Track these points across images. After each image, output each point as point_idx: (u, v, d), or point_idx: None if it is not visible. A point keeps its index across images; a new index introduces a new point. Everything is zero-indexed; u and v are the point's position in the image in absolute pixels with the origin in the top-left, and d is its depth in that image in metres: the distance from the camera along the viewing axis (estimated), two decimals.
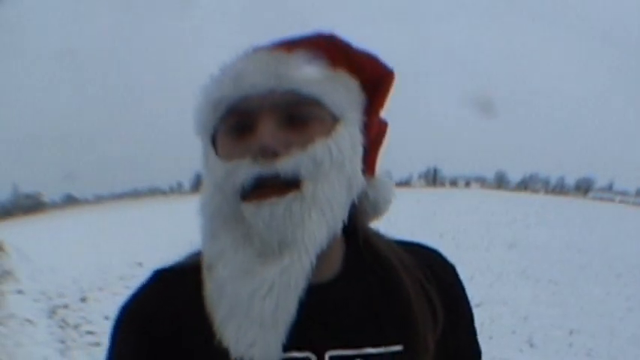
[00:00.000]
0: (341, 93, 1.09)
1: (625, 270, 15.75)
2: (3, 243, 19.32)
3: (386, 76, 1.15)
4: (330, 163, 1.03)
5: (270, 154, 1.00)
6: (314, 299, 1.02)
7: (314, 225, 1.00)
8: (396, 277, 1.16)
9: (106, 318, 10.09)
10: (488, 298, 10.72)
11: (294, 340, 1.00)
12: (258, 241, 1.02)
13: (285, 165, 1.00)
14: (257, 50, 1.09)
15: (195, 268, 1.10)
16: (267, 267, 1.00)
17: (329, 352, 1.06)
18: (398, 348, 1.09)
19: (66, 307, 11.06)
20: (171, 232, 23.77)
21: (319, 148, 1.03)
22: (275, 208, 0.99)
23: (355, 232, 1.19)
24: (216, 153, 1.10)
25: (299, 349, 1.04)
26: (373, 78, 1.14)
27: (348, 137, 1.08)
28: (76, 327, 9.61)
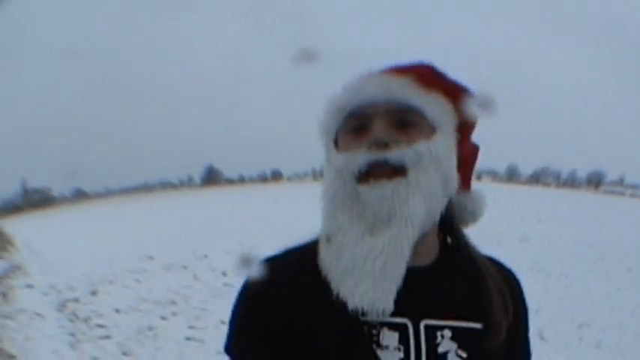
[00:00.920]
0: (438, 109, 1.35)
1: (635, 264, 15.72)
2: (13, 238, 19.38)
3: (466, 97, 1.38)
4: (429, 158, 1.28)
5: (382, 144, 1.27)
6: (414, 278, 1.25)
7: (416, 205, 1.24)
8: (482, 275, 1.39)
9: (117, 311, 10.14)
10: None
11: (397, 307, 1.22)
12: (371, 215, 1.26)
13: (393, 155, 1.26)
14: (373, 72, 1.37)
15: (304, 254, 1.37)
16: (378, 235, 1.24)
17: (424, 321, 1.29)
18: (478, 325, 1.32)
19: (76, 300, 11.10)
20: (181, 226, 23.86)
21: (421, 145, 1.28)
22: (386, 187, 1.24)
23: (451, 233, 1.47)
24: (337, 150, 1.38)
25: (400, 315, 1.26)
26: (459, 98, 1.38)
27: (445, 143, 1.33)
28: (86, 320, 9.63)
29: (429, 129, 1.33)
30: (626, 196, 75.31)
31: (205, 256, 15.62)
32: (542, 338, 8.46)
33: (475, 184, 1.54)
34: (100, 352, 7.88)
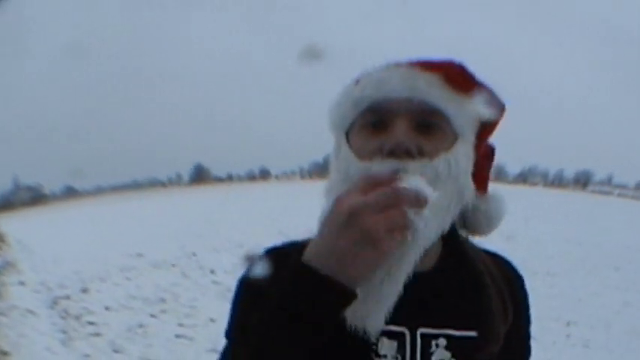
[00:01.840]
0: (463, 113, 1.27)
1: (623, 263, 15.79)
2: (5, 235, 19.27)
3: (498, 107, 1.33)
4: (447, 175, 1.20)
5: (403, 150, 1.18)
6: (413, 283, 1.19)
7: (429, 221, 1.10)
8: (480, 278, 1.36)
9: (107, 308, 10.16)
10: None
11: (397, 315, 1.19)
12: None
13: (412, 169, 1.15)
14: (397, 64, 1.28)
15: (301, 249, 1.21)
16: None
17: (420, 330, 1.26)
18: (473, 334, 1.28)
19: (67, 297, 11.10)
20: (170, 224, 23.84)
21: (442, 161, 1.20)
22: None
23: (452, 236, 1.38)
24: (349, 145, 1.30)
25: (396, 323, 1.22)
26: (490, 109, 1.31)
27: (465, 154, 1.27)
28: (77, 317, 9.65)
29: (451, 135, 1.26)
30: (614, 195, 75.49)
31: (194, 254, 15.64)
32: None
33: (492, 187, 1.46)
34: (91, 349, 7.90)
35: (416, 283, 1.20)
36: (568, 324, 9.61)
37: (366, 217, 0.98)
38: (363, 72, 1.33)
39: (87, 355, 7.58)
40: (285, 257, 1.23)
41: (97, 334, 8.60)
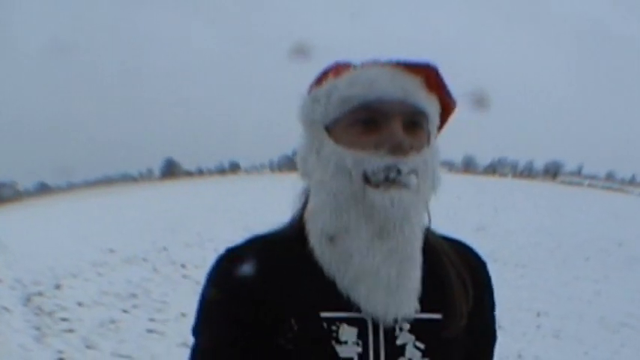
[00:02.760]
0: (436, 113, 1.41)
1: (593, 253, 15.93)
2: None
3: (453, 107, 1.47)
4: (430, 166, 1.35)
5: (401, 149, 1.29)
6: None
7: (420, 211, 1.34)
8: (441, 263, 1.42)
9: (79, 304, 10.13)
10: None
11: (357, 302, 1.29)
12: (382, 219, 1.27)
13: (407, 163, 1.29)
14: (383, 64, 1.37)
15: (272, 242, 1.41)
16: (388, 240, 1.28)
17: (370, 317, 1.29)
18: (438, 316, 1.35)
19: (41, 294, 11.06)
20: (141, 219, 23.77)
21: (427, 154, 1.35)
22: (397, 194, 1.27)
23: None
24: (333, 140, 1.36)
25: (359, 310, 1.29)
26: (448, 108, 1.46)
27: (437, 148, 1.42)
28: (50, 314, 9.62)
29: (427, 131, 1.38)
30: (584, 186, 75.77)
31: (165, 249, 15.63)
32: (499, 327, 8.52)
33: None
34: (64, 345, 7.87)
35: None
36: (538, 314, 9.67)
37: None
38: (329, 68, 1.42)
39: (60, 352, 7.55)
40: (252, 254, 1.38)
41: (70, 330, 8.58)
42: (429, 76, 1.36)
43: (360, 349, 1.28)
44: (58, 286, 11.65)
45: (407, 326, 1.31)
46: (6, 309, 9.96)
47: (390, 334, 1.30)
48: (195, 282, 10.92)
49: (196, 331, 1.40)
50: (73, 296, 10.70)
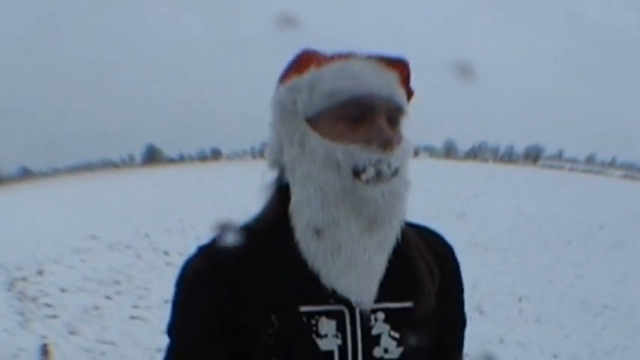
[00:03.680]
0: (406, 107, 1.41)
1: (574, 237, 16.02)
2: None
3: (411, 98, 1.47)
4: (409, 157, 1.38)
5: (390, 145, 1.29)
6: None
7: (405, 201, 1.36)
8: (409, 251, 1.42)
9: (62, 290, 10.12)
10: None
11: (335, 295, 1.29)
12: (372, 212, 1.29)
13: (394, 158, 1.30)
14: (364, 57, 1.37)
15: (261, 230, 1.38)
16: (377, 234, 1.31)
17: (359, 306, 1.31)
18: (409, 304, 1.36)
19: (24, 279, 11.12)
20: (124, 205, 23.70)
21: (406, 146, 1.36)
22: (387, 189, 1.29)
23: None
24: (316, 132, 1.34)
25: (337, 302, 1.30)
26: (409, 99, 1.45)
27: (409, 142, 1.41)
28: (34, 299, 9.68)
29: (401, 126, 1.40)
30: (565, 170, 76.08)
31: (147, 235, 15.64)
32: (481, 312, 8.59)
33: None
34: (48, 331, 7.90)
35: None
36: (520, 299, 9.74)
37: None
38: (303, 56, 1.40)
39: (43, 337, 7.54)
40: (227, 249, 1.36)
41: (54, 316, 8.61)
42: (403, 71, 1.39)
43: (339, 342, 1.29)
44: (40, 272, 11.67)
45: (382, 316, 1.33)
46: None
47: (366, 324, 1.32)
48: (178, 269, 10.83)
49: (172, 330, 1.39)
50: (56, 282, 10.73)
